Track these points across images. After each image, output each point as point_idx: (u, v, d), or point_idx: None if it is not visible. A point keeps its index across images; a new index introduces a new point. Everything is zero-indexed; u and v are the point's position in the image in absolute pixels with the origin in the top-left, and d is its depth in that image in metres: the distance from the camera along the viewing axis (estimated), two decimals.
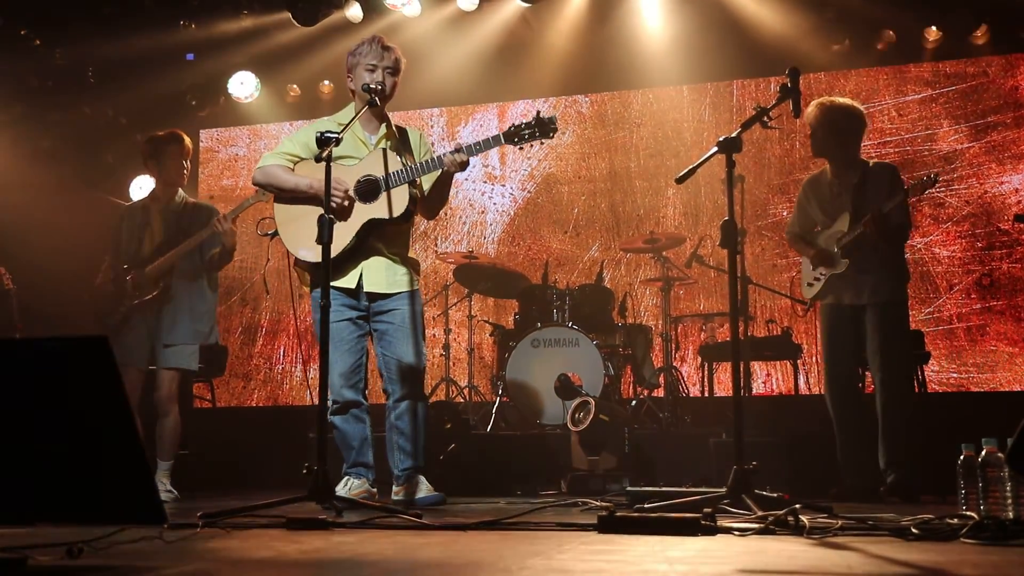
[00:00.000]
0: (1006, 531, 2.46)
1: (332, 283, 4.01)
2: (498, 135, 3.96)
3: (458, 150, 3.93)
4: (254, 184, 4.34)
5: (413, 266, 4.28)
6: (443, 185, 4.13)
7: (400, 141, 4.27)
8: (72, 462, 2.08)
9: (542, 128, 3.91)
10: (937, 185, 6.74)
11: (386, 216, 4.03)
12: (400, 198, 4.03)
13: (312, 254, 4.01)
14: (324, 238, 3.62)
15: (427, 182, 4.17)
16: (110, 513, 2.20)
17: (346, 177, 4.08)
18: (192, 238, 4.99)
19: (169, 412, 5.02)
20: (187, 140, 5.28)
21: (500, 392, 6.10)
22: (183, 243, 4.99)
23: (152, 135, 5.34)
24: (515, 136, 3.92)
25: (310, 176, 4.05)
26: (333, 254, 4.02)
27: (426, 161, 4.05)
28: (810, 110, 4.73)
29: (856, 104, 4.80)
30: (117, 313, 5.05)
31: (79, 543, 2.30)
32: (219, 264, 5.11)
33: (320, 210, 3.68)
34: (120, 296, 5.06)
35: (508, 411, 6.14)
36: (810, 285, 4.82)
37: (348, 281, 4.14)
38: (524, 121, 3.94)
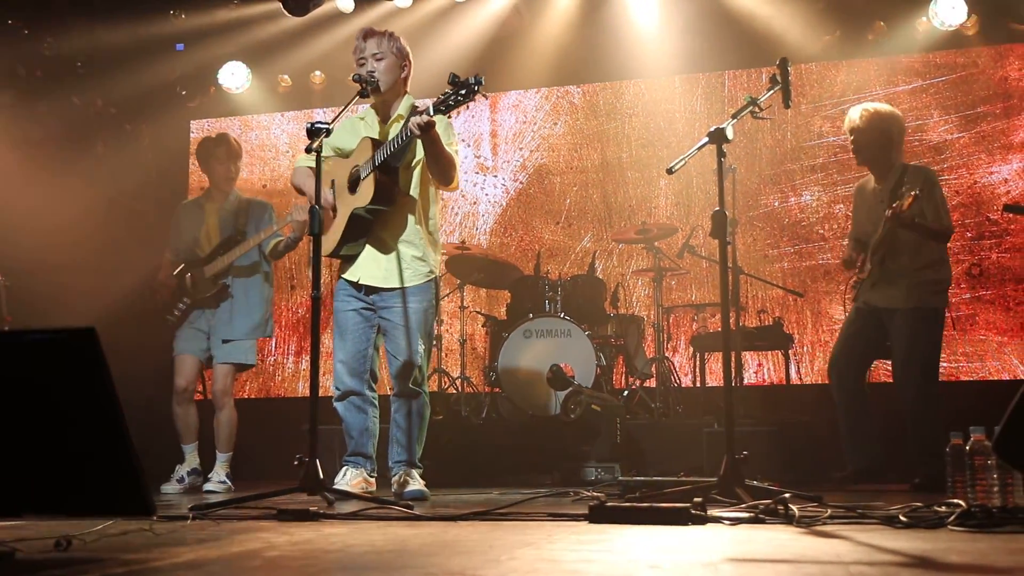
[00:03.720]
0: (993, 519, 2.48)
1: (343, 275, 4.20)
2: (428, 107, 3.75)
3: (419, 112, 3.82)
4: (292, 185, 4.40)
5: (419, 257, 4.15)
6: (429, 150, 3.94)
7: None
8: (60, 454, 2.08)
9: (461, 89, 3.66)
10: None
11: (359, 205, 4.01)
12: (368, 187, 3.98)
13: (324, 248, 4.08)
14: (314, 228, 3.63)
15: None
16: (99, 505, 2.20)
17: (342, 170, 4.11)
18: (251, 239, 5.14)
19: (224, 406, 5.21)
20: (233, 143, 5.45)
21: (492, 383, 6.10)
22: (241, 244, 5.15)
23: (203, 139, 5.59)
24: (442, 105, 3.77)
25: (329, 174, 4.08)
26: (328, 250, 4.09)
27: (390, 142, 3.93)
28: (852, 118, 4.76)
29: (895, 110, 4.85)
30: (176, 309, 5.24)
31: (67, 536, 2.30)
32: (282, 254, 5.24)
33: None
34: (180, 294, 5.24)
35: (500, 402, 6.14)
36: (854, 287, 4.87)
37: (351, 275, 4.17)
38: (446, 88, 3.72)
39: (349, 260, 4.17)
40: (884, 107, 4.85)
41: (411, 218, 4.16)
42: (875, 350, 4.80)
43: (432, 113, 3.75)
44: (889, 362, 4.93)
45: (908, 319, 4.59)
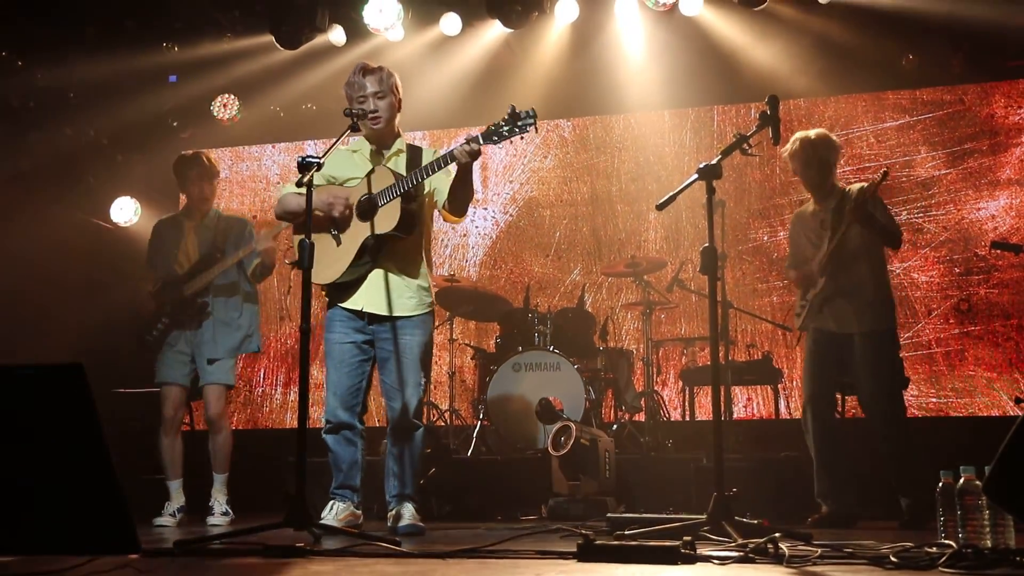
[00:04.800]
0: (985, 560, 2.47)
1: (342, 305, 4.12)
2: (477, 136, 3.81)
3: (468, 141, 3.87)
4: (276, 218, 4.35)
5: (423, 288, 4.17)
6: (463, 179, 4.01)
7: (410, 160, 4.21)
8: (43, 490, 2.06)
9: (518, 123, 3.74)
10: (915, 210, 6.83)
11: (379, 231, 4.00)
12: (392, 213, 3.99)
13: (321, 277, 4.07)
14: (304, 262, 3.59)
15: (443, 185, 4.11)
16: (83, 542, 2.18)
17: (350, 198, 4.09)
18: (229, 258, 5.09)
19: (221, 429, 5.15)
20: (206, 162, 5.32)
21: (481, 416, 6.08)
22: (220, 262, 5.09)
23: (179, 156, 5.45)
24: (495, 135, 3.82)
25: (318, 193, 4.04)
26: (334, 278, 4.06)
27: (429, 165, 3.93)
28: (788, 147, 4.78)
29: (829, 133, 4.85)
30: (155, 329, 5.15)
31: (48, 573, 2.27)
32: (260, 277, 5.18)
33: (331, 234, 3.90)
34: (159, 314, 5.15)
35: (489, 435, 6.11)
36: (797, 315, 4.84)
37: (353, 303, 4.11)
38: (501, 119, 3.81)
39: (347, 288, 4.12)
40: (813, 133, 4.81)
41: (420, 247, 4.20)
42: (837, 383, 4.79)
43: (482, 142, 3.79)
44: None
45: (867, 346, 4.57)
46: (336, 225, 4.06)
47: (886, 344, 4.63)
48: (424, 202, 4.18)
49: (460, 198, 4.09)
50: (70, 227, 7.44)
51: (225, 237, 5.18)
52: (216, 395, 5.11)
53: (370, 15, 6.36)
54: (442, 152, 3.96)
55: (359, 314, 4.11)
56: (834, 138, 4.84)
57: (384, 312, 4.09)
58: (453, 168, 3.99)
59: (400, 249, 4.10)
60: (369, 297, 4.09)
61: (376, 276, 4.10)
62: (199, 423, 7.31)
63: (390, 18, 6.36)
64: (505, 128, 3.75)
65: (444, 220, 4.30)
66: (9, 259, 6.86)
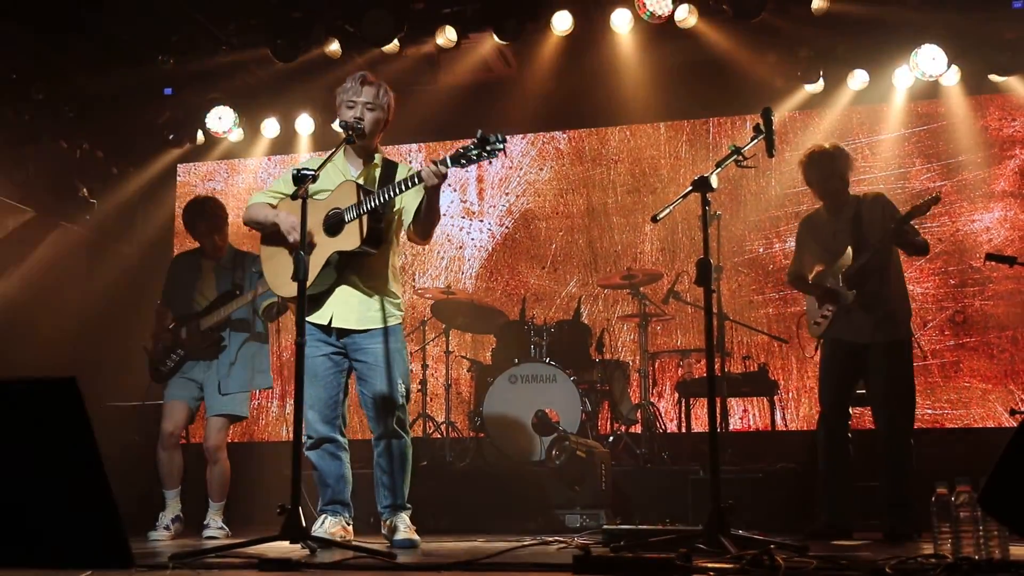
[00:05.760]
0: (979, 572, 2.46)
1: (309, 319, 4.05)
2: (445, 158, 3.79)
3: (436, 163, 3.86)
4: (244, 223, 4.32)
5: (391, 300, 4.16)
6: (429, 201, 3.98)
7: (384, 175, 4.21)
8: (36, 505, 2.05)
9: (486, 147, 3.71)
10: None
11: (346, 248, 3.99)
12: (359, 230, 3.97)
13: (285, 290, 4.04)
14: (299, 274, 3.59)
15: (412, 204, 4.09)
16: (77, 556, 2.17)
17: (317, 211, 4.05)
18: (248, 293, 5.11)
19: (218, 460, 5.20)
20: (210, 215, 5.32)
21: (477, 428, 6.07)
22: (238, 299, 5.14)
23: (190, 202, 5.47)
24: (462, 158, 3.81)
25: (287, 212, 4.04)
26: (295, 291, 4.04)
27: (396, 184, 3.91)
28: (803, 159, 4.81)
29: (838, 144, 4.86)
30: (169, 360, 5.20)
31: None
32: (274, 316, 5.19)
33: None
34: (174, 346, 5.21)
35: (485, 447, 6.11)
36: (816, 324, 4.79)
37: (321, 317, 4.10)
38: (470, 142, 3.78)
39: (315, 303, 4.08)
40: (828, 144, 4.84)
41: (387, 261, 4.18)
42: (852, 395, 4.79)
43: (450, 164, 3.78)
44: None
45: (884, 356, 4.57)
46: (292, 249, 4.02)
47: (903, 353, 4.63)
48: (393, 219, 4.17)
49: (426, 221, 4.07)
50: (65, 239, 7.44)
51: (243, 273, 5.22)
52: (217, 427, 5.16)
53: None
54: (411, 172, 3.95)
55: (328, 329, 4.11)
56: (840, 148, 4.84)
57: (352, 326, 4.09)
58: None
59: (367, 264, 4.09)
60: (337, 311, 4.09)
61: (343, 290, 4.10)
62: (195, 436, 7.31)
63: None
64: (474, 152, 3.73)
65: (408, 240, 4.28)
66: (3, 270, 6.85)
